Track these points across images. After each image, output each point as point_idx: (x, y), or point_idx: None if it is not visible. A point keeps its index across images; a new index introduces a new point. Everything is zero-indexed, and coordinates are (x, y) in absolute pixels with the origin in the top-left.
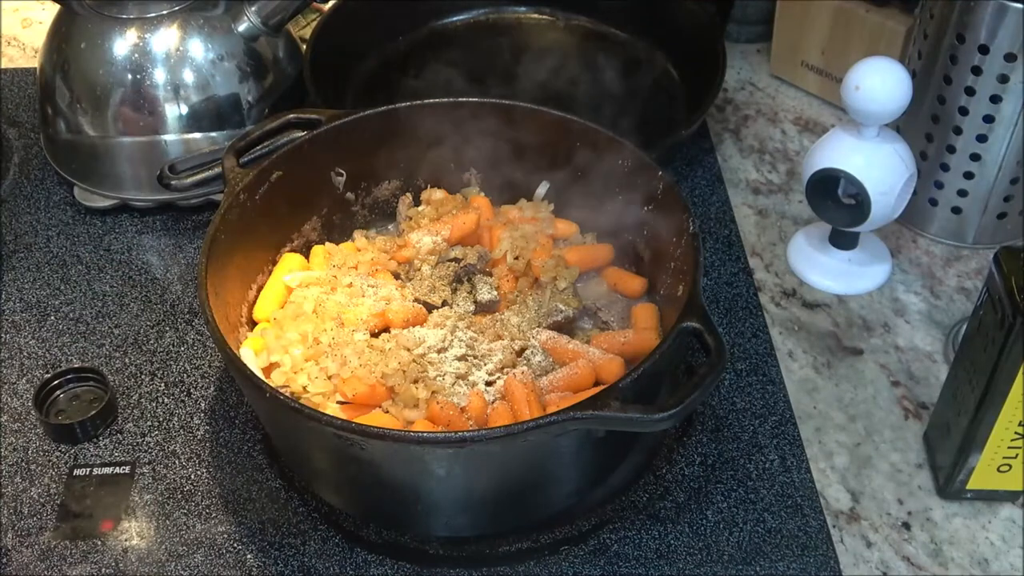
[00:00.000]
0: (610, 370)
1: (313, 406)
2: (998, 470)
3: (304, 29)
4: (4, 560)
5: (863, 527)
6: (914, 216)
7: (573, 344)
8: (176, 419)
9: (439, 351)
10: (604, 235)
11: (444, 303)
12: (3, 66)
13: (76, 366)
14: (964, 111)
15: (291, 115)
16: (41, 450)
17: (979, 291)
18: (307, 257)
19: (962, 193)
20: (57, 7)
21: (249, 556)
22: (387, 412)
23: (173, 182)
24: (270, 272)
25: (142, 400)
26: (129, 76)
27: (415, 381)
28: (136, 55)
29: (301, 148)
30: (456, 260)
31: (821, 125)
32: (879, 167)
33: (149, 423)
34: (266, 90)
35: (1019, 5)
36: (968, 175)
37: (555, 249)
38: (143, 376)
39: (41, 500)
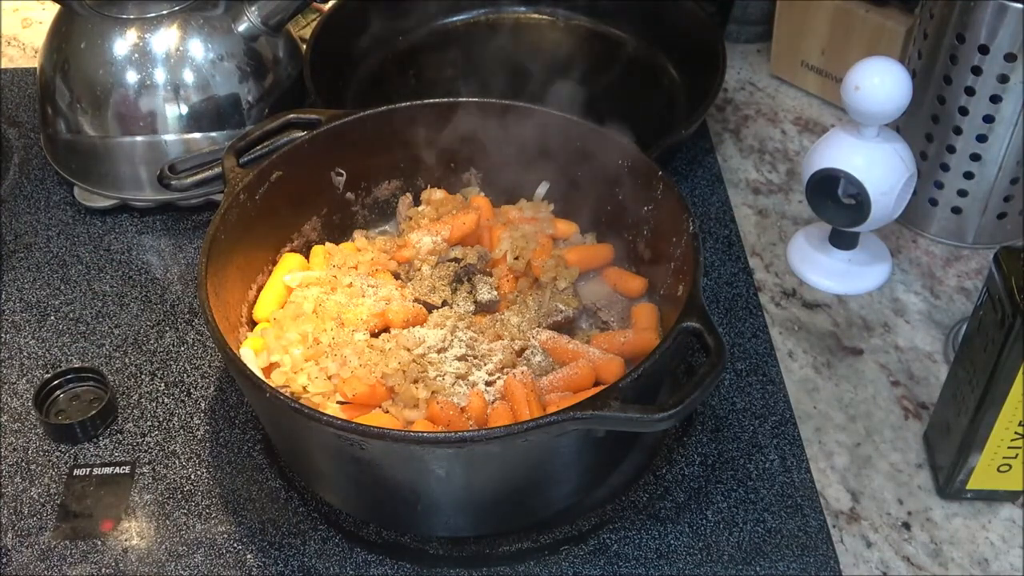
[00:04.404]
0: (610, 370)
1: (313, 406)
2: (998, 470)
3: (304, 29)
4: (4, 560)
5: (863, 527)
6: (914, 216)
7: (573, 344)
8: (176, 419)
9: (439, 351)
10: (604, 235)
11: (444, 303)
12: (3, 66)
13: (76, 366)
14: (964, 111)
15: (291, 115)
16: (41, 450)
17: (979, 291)
18: (307, 257)
19: (962, 193)
20: (57, 7)
21: (249, 556)
22: (387, 412)
23: (173, 182)
24: (270, 272)
25: (142, 400)
26: (129, 76)
27: (415, 381)
28: (136, 55)
29: (301, 148)
30: (456, 260)
31: (821, 125)
32: (879, 167)
33: (149, 423)
34: (266, 90)
35: (1019, 5)
36: (968, 175)
37: (555, 249)
38: (143, 376)
39: (41, 500)
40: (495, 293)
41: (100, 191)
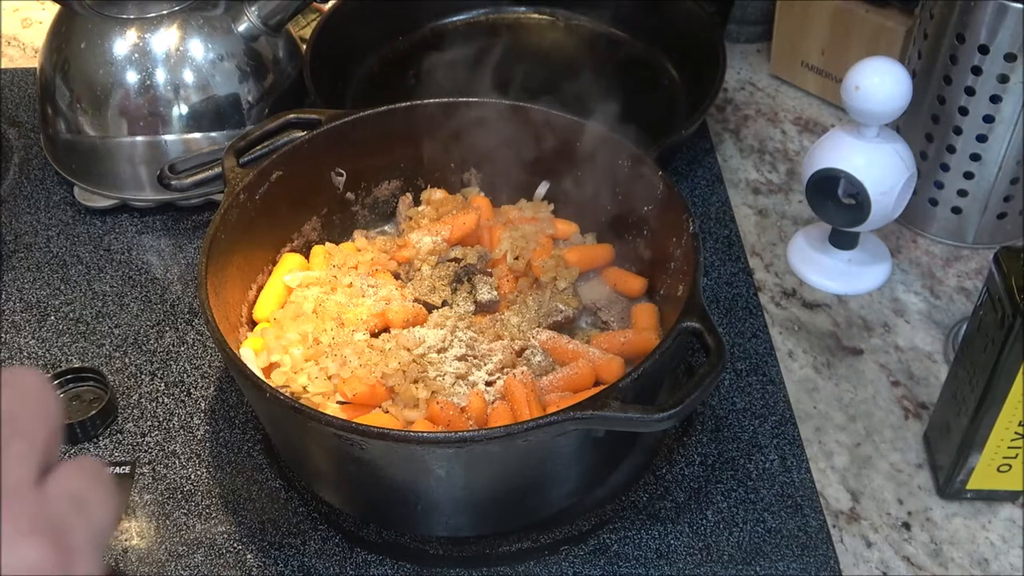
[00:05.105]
0: (610, 370)
1: (313, 406)
2: (998, 470)
3: (304, 29)
4: None
5: (863, 527)
6: (914, 216)
7: (573, 344)
8: (176, 419)
9: (439, 351)
10: (604, 235)
11: (444, 303)
12: (3, 66)
13: (76, 366)
14: (964, 111)
15: (291, 115)
16: None
17: (979, 291)
18: (307, 257)
19: (962, 193)
20: (57, 7)
21: (249, 556)
22: (387, 412)
23: (173, 182)
24: (270, 272)
25: (142, 400)
26: (129, 76)
27: (415, 381)
28: (136, 55)
29: (301, 148)
30: (456, 260)
31: (821, 125)
32: (879, 167)
33: (149, 423)
34: (266, 90)
35: (1019, 5)
36: (968, 175)
37: (555, 249)
38: (143, 376)
39: None
40: (495, 293)
41: (100, 191)
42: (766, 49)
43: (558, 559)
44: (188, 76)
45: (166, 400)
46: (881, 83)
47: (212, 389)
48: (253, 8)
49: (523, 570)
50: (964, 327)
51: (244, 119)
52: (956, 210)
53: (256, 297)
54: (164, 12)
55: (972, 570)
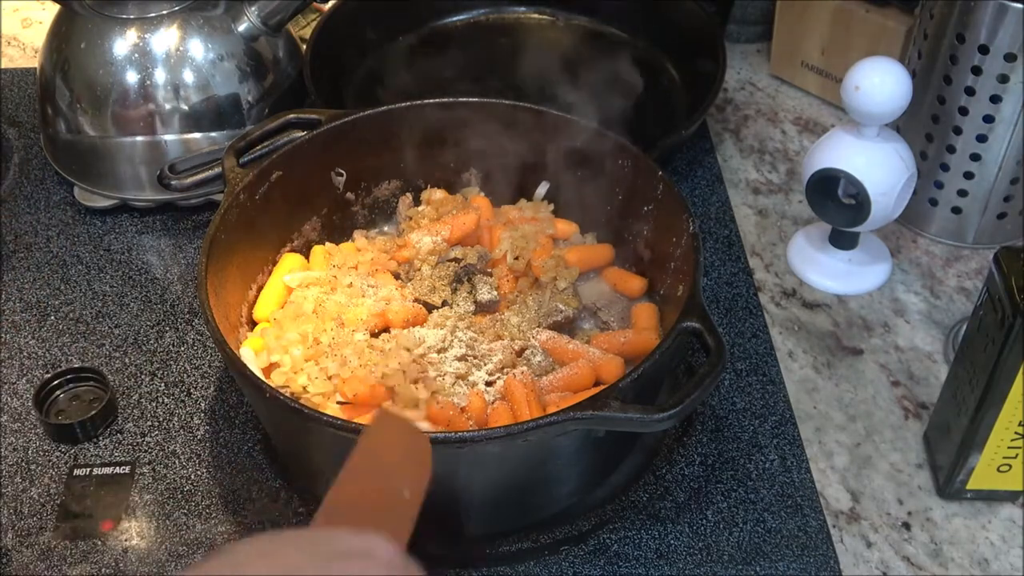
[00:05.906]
0: (610, 370)
1: (313, 406)
2: (998, 470)
3: (304, 29)
4: (4, 560)
5: (863, 527)
6: (914, 216)
7: (573, 344)
8: (176, 419)
9: (439, 351)
10: (604, 235)
11: (444, 303)
12: (3, 66)
13: (76, 366)
14: (964, 111)
15: (291, 115)
16: (41, 450)
17: (979, 291)
18: (307, 257)
19: (962, 193)
20: (57, 7)
21: None
22: None
23: (173, 182)
24: (270, 272)
25: (142, 400)
26: (129, 76)
27: (415, 381)
28: (136, 55)
29: (301, 148)
30: (456, 260)
31: (821, 125)
32: (879, 167)
33: (149, 423)
34: (266, 90)
35: (1019, 5)
36: (968, 175)
37: (555, 249)
38: (143, 376)
39: (41, 500)
40: (495, 293)
41: (100, 191)
42: (766, 49)
43: (558, 559)
44: (188, 76)
45: (166, 400)
46: (881, 83)
47: (212, 389)
48: (253, 8)
49: (523, 570)
50: (964, 327)
51: (244, 119)
52: (956, 210)
53: (256, 297)
54: (164, 12)
55: (972, 570)
